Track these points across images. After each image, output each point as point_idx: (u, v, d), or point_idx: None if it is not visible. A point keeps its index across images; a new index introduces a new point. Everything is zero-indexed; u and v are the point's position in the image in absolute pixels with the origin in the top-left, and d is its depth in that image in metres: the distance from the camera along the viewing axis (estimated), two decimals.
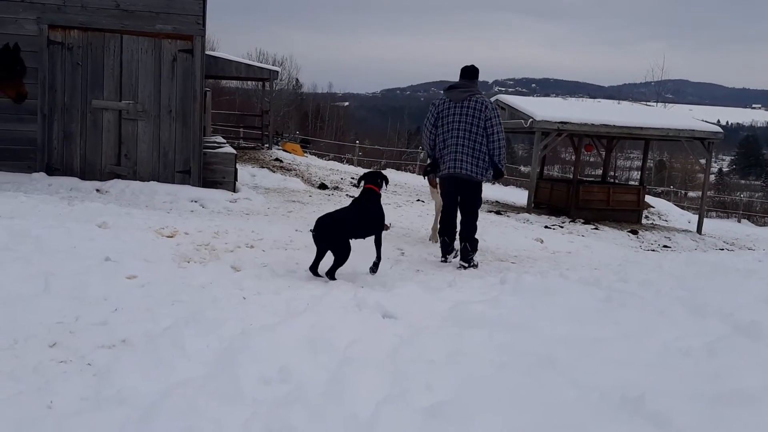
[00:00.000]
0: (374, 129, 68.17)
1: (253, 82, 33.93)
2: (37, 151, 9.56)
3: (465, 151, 7.03)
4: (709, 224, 20.19)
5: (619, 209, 17.49)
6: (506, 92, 23.87)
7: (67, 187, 9.05)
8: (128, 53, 9.73)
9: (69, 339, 3.34)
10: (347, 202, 12.95)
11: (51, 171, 9.55)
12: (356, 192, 15.17)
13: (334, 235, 5.59)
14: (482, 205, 7.82)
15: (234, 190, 10.59)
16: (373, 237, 6.06)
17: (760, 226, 27.01)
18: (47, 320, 3.55)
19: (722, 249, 14.65)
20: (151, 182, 9.66)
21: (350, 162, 29.20)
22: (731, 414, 2.55)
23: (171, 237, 6.37)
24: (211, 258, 5.79)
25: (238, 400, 2.66)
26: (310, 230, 5.68)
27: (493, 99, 18.91)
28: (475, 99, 7.01)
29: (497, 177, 7.28)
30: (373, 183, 6.18)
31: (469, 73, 7.26)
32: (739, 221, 27.33)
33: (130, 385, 2.74)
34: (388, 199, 14.67)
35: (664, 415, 2.54)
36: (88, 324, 3.59)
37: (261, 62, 31.89)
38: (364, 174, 6.31)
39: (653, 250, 13.02)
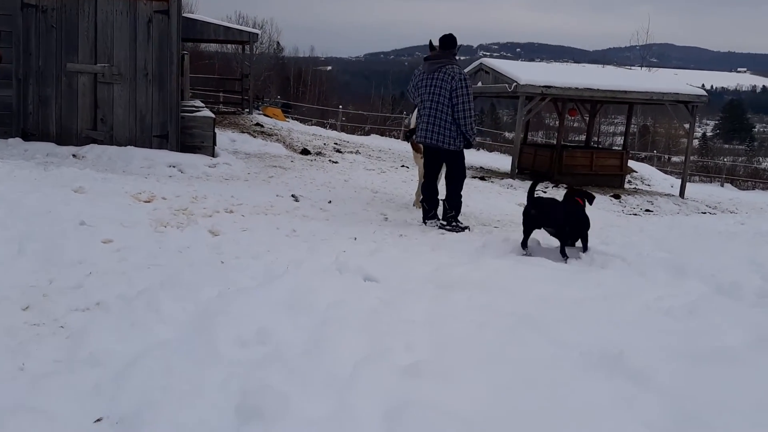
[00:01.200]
0: (358, 94, 67.58)
1: (233, 46, 33.41)
2: (13, 116, 9.33)
3: (432, 121, 7.20)
4: (692, 188, 20.30)
5: (603, 174, 17.51)
6: (491, 57, 23.58)
7: (43, 153, 8.88)
8: (103, 15, 9.48)
9: (42, 302, 3.28)
10: (330, 167, 12.91)
11: (27, 136, 9.35)
12: (339, 158, 15.10)
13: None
14: (467, 171, 7.83)
15: (213, 155, 10.44)
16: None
17: (743, 190, 27.21)
18: (21, 283, 3.49)
19: (705, 213, 14.76)
20: (128, 147, 9.49)
21: (333, 127, 28.94)
22: (710, 371, 2.56)
23: (148, 202, 6.27)
24: (188, 223, 5.70)
25: (214, 362, 2.62)
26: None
27: (476, 63, 18.76)
28: (444, 70, 7.09)
29: (467, 147, 7.35)
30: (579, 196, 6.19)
31: (444, 42, 7.34)
32: (722, 185, 27.53)
33: (104, 348, 2.70)
34: (372, 165, 14.59)
35: (643, 372, 2.54)
36: (62, 287, 3.53)
37: (241, 25, 31.32)
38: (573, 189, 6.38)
39: (636, 214, 13.08)
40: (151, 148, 9.65)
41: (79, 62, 9.47)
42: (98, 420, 2.21)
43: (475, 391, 2.39)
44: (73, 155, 9.02)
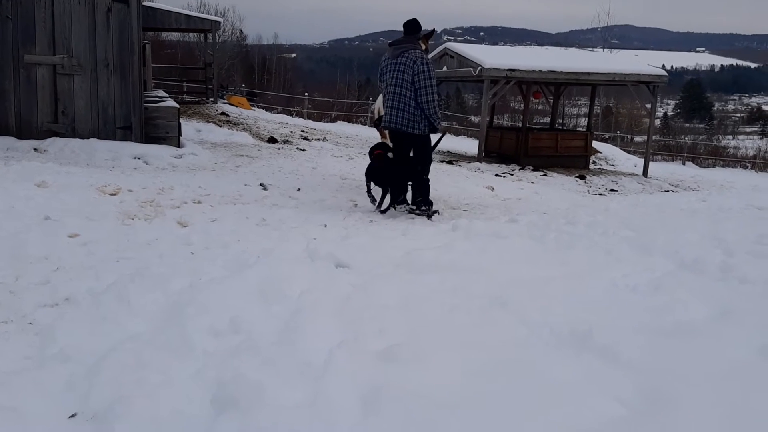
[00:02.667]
0: (323, 81, 67.20)
1: (195, 34, 32.89)
2: None
3: (396, 105, 7.21)
4: (655, 167, 20.65)
5: (568, 155, 17.70)
6: (455, 41, 23.64)
7: (3, 147, 8.68)
8: (60, 5, 9.25)
9: (9, 299, 3.23)
10: (298, 155, 12.84)
11: None
12: (307, 145, 15.01)
13: None
14: (434, 156, 7.87)
15: (179, 145, 10.31)
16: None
17: (704, 167, 27.75)
18: None
19: (667, 191, 15.03)
20: (91, 139, 9.32)
21: (300, 115, 28.76)
22: (676, 345, 2.62)
23: (114, 195, 6.19)
24: (156, 214, 5.65)
25: (187, 353, 2.61)
26: None
27: (441, 48, 18.76)
28: (406, 55, 7.11)
29: (432, 131, 7.38)
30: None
31: (408, 27, 7.37)
32: (683, 164, 28.03)
33: (74, 343, 2.68)
34: (339, 151, 14.54)
35: (611, 348, 2.59)
36: (29, 283, 3.48)
37: (202, 13, 30.86)
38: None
39: (601, 194, 13.27)
40: (114, 140, 9.49)
41: (37, 54, 9.25)
42: (72, 416, 2.19)
43: (449, 373, 2.42)
44: (35, 149, 8.83)
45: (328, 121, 28.28)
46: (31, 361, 2.59)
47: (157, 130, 10.12)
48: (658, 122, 51.22)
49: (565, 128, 26.98)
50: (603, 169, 19.20)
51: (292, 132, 17.91)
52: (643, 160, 19.37)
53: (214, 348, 2.70)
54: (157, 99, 11.31)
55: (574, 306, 3.20)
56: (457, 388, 2.31)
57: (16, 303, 3.19)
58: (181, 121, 10.94)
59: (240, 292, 3.32)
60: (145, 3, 12.48)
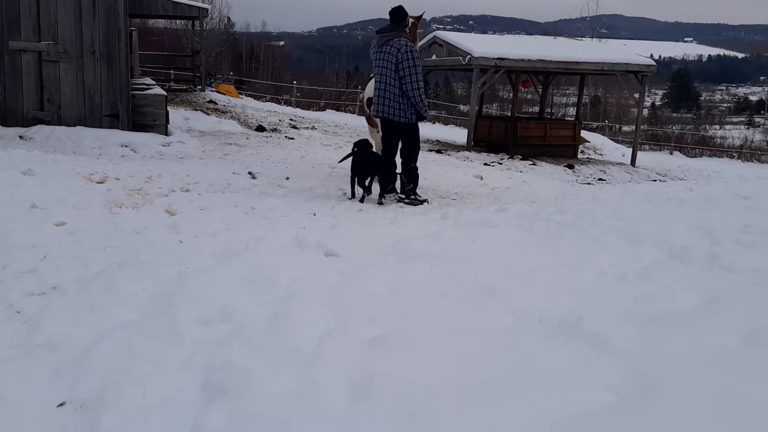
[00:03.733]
0: (312, 69, 66.91)
1: (182, 22, 32.65)
2: None
3: (383, 94, 7.25)
4: (643, 157, 20.75)
5: (556, 145, 17.74)
6: (444, 29, 23.55)
7: None
8: None
9: None
10: (286, 144, 12.78)
11: None
12: (296, 134, 14.95)
13: None
14: (423, 145, 7.87)
15: (166, 133, 10.24)
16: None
17: (691, 157, 27.92)
18: None
19: (655, 180, 15.11)
20: (78, 127, 9.23)
21: (288, 103, 28.63)
22: (664, 333, 2.64)
23: (101, 183, 6.14)
24: (144, 203, 5.61)
25: (176, 341, 2.61)
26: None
27: (430, 36, 18.70)
28: (391, 44, 7.11)
29: (420, 119, 7.39)
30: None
31: (393, 15, 7.36)
32: (671, 153, 28.18)
33: (62, 331, 2.66)
34: (328, 140, 14.49)
35: (600, 336, 2.61)
36: (15, 272, 3.44)
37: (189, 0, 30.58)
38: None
39: (589, 184, 13.32)
40: (101, 127, 9.41)
41: (22, 40, 9.14)
42: (61, 404, 2.18)
43: (438, 360, 2.42)
44: (20, 136, 8.74)
45: (316, 110, 28.18)
46: (19, 350, 2.57)
47: (145, 118, 10.04)
48: (646, 112, 51.47)
49: (553, 117, 27.02)
50: (591, 159, 19.27)
51: (280, 120, 17.83)
52: (631, 150, 19.46)
53: (203, 336, 2.70)
54: (144, 86, 11.22)
55: (563, 295, 3.22)
56: (446, 375, 2.32)
57: (2, 292, 3.17)
58: (168, 109, 10.86)
59: (229, 281, 3.32)
60: None
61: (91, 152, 8.43)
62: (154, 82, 13.36)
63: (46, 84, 9.35)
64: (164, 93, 10.80)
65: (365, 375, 2.31)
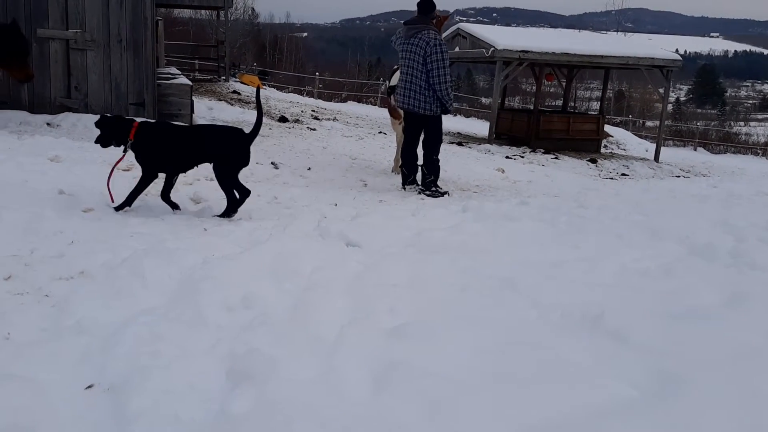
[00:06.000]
0: (334, 60, 66.91)
1: (207, 12, 32.79)
2: None
3: (408, 86, 7.28)
4: (666, 153, 20.52)
5: (579, 139, 17.63)
6: (467, 21, 23.48)
7: (16, 121, 8.72)
8: None
9: (25, 271, 3.26)
10: (308, 135, 12.84)
11: None
12: (317, 125, 14.99)
13: None
14: (444, 137, 7.88)
15: (191, 123, 10.33)
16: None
17: (715, 153, 27.59)
18: (1, 253, 3.46)
19: (678, 176, 14.97)
20: None
21: (310, 95, 28.70)
22: (687, 329, 2.63)
23: (127, 170, 6.21)
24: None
25: (201, 327, 2.64)
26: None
27: (454, 28, 18.64)
28: (419, 36, 7.11)
29: (444, 112, 7.40)
30: None
31: (422, 7, 7.36)
32: (695, 149, 27.88)
33: (90, 315, 2.70)
34: (350, 131, 14.53)
35: (622, 331, 2.60)
36: (44, 257, 3.50)
37: None
38: None
39: (612, 178, 13.23)
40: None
41: (50, 28, 9.25)
42: (89, 387, 2.22)
43: (459, 352, 2.44)
44: (48, 124, 8.87)
45: (338, 101, 28.23)
46: (48, 333, 2.61)
47: (170, 107, 10.14)
48: (670, 107, 50.82)
49: (577, 111, 26.81)
50: (614, 154, 19.11)
51: (302, 111, 17.90)
52: (654, 145, 19.27)
53: (227, 322, 2.73)
54: (169, 76, 11.32)
55: (586, 289, 3.21)
56: (467, 366, 2.33)
57: (31, 275, 3.22)
58: (193, 98, 10.95)
59: (252, 269, 3.35)
60: None
61: None
62: (180, 72, 13.46)
63: (74, 72, 9.47)
64: (189, 83, 10.89)
65: (386, 364, 2.33)
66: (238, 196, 5.05)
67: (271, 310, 2.88)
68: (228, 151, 5.02)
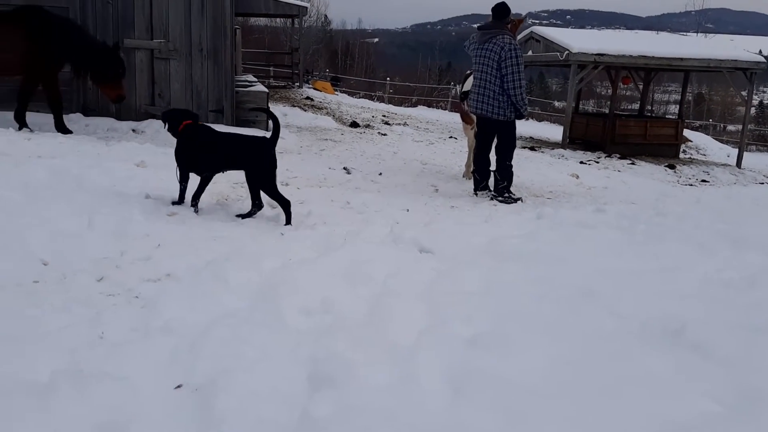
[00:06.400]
0: (404, 65, 67.09)
1: (282, 20, 33.50)
2: (73, 91, 9.60)
3: (482, 91, 7.26)
4: (749, 158, 19.68)
5: (657, 144, 17.12)
6: (540, 24, 23.15)
7: (103, 128, 9.14)
8: None
9: (116, 273, 3.43)
10: (379, 140, 12.95)
11: (87, 112, 9.63)
12: (388, 130, 15.10)
13: None
14: (516, 142, 7.80)
15: (267, 129, 10.59)
16: None
17: None
18: (93, 255, 3.64)
19: (762, 183, 14.34)
20: None
21: (381, 100, 28.91)
22: None
23: (141, 167, 6.38)
24: (246, 196, 5.83)
25: (282, 330, 2.72)
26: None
27: (527, 31, 18.42)
28: (494, 41, 7.08)
29: (518, 117, 7.34)
30: None
31: (496, 12, 7.32)
32: None
33: (177, 316, 2.82)
34: (420, 136, 14.56)
35: (705, 344, 2.54)
36: (132, 259, 3.67)
37: None
38: None
39: (691, 185, 12.80)
40: (207, 122, 9.83)
41: (136, 38, 9.67)
42: (178, 387, 2.31)
43: (536, 361, 2.43)
44: (133, 130, 9.25)
45: (408, 106, 28.33)
46: (138, 333, 2.73)
47: (247, 114, 10.43)
48: (753, 111, 48.73)
49: (654, 115, 26.05)
50: (694, 159, 18.49)
51: (373, 117, 18.06)
52: (736, 150, 18.53)
53: (306, 327, 2.80)
54: (247, 83, 11.64)
55: (666, 300, 3.14)
56: (545, 376, 2.32)
57: (122, 277, 3.39)
58: (269, 105, 11.22)
59: (328, 274, 3.42)
60: None
61: None
62: (256, 80, 13.81)
63: (157, 80, 9.86)
64: (266, 90, 11.19)
65: (463, 372, 2.35)
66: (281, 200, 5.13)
67: (347, 315, 2.94)
68: (255, 159, 5.11)
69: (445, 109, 28.51)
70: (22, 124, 8.10)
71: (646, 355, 2.46)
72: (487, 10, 7.43)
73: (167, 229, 4.31)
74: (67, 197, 4.66)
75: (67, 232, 3.90)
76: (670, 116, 25.87)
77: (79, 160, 6.00)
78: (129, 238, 4.03)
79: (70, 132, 8.32)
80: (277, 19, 35.26)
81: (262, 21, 39.80)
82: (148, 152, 7.06)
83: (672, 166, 15.07)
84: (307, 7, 23.63)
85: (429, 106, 29.61)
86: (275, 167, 5.21)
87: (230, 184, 6.17)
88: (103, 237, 3.96)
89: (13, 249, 3.49)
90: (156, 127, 9.38)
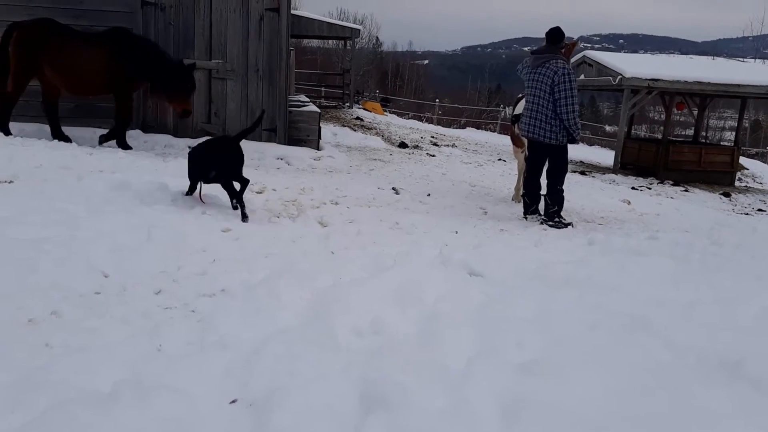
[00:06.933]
0: (454, 87, 67.25)
1: (334, 41, 34.00)
2: (133, 109, 9.90)
3: (534, 115, 7.26)
4: None
5: (711, 171, 16.78)
6: (592, 48, 22.93)
7: (161, 144, 9.39)
8: (217, 13, 9.91)
9: (173, 287, 3.51)
10: (427, 161, 12.99)
11: (146, 128, 9.91)
12: (436, 151, 15.13)
13: None
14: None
15: (318, 148, 10.74)
16: None
17: None
18: (151, 269, 3.73)
19: None
20: None
21: (430, 121, 28.99)
22: None
23: (260, 193, 6.55)
24: (298, 213, 5.93)
25: (334, 349, 2.75)
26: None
27: (579, 56, 18.32)
28: (547, 65, 7.08)
29: (571, 142, 7.31)
30: None
31: (550, 37, 7.34)
32: None
33: (232, 332, 2.87)
34: (468, 158, 14.55)
35: (765, 380, 2.48)
36: (189, 273, 3.75)
37: (342, 21, 31.83)
38: None
39: (747, 214, 12.46)
40: (260, 141, 10.03)
41: (195, 58, 9.93)
42: (233, 401, 2.36)
43: (590, 391, 2.40)
44: (189, 147, 9.46)
45: (457, 128, 28.36)
46: (194, 347, 2.79)
47: (299, 133, 10.60)
48: None
49: (709, 142, 25.51)
50: (750, 187, 18.01)
51: (422, 137, 18.12)
52: None
53: (357, 347, 2.83)
54: (299, 103, 11.83)
55: (723, 332, 3.07)
56: (598, 406, 2.30)
57: (179, 291, 3.47)
58: (320, 124, 11.38)
59: (379, 294, 3.44)
60: (292, 11, 13.05)
61: (251, 163, 8.97)
62: (308, 100, 14.03)
63: (214, 99, 10.11)
64: (318, 110, 11.35)
65: (515, 399, 2.34)
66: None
67: (397, 337, 2.95)
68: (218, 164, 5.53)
69: (494, 131, 28.43)
70: (125, 146, 8.65)
71: (703, 390, 2.42)
72: (537, 34, 7.52)
73: (222, 245, 4.40)
74: (126, 211, 4.80)
75: (126, 245, 4.02)
76: (726, 143, 25.27)
77: (138, 175, 6.17)
78: (185, 252, 4.12)
79: (130, 148, 8.59)
80: (330, 41, 35.80)
81: (315, 42, 40.49)
82: None
83: (727, 194, 14.72)
84: (359, 30, 23.98)
85: (478, 128, 29.56)
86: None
87: (282, 202, 6.27)
88: (161, 250, 4.06)
89: (75, 260, 3.60)
90: None
